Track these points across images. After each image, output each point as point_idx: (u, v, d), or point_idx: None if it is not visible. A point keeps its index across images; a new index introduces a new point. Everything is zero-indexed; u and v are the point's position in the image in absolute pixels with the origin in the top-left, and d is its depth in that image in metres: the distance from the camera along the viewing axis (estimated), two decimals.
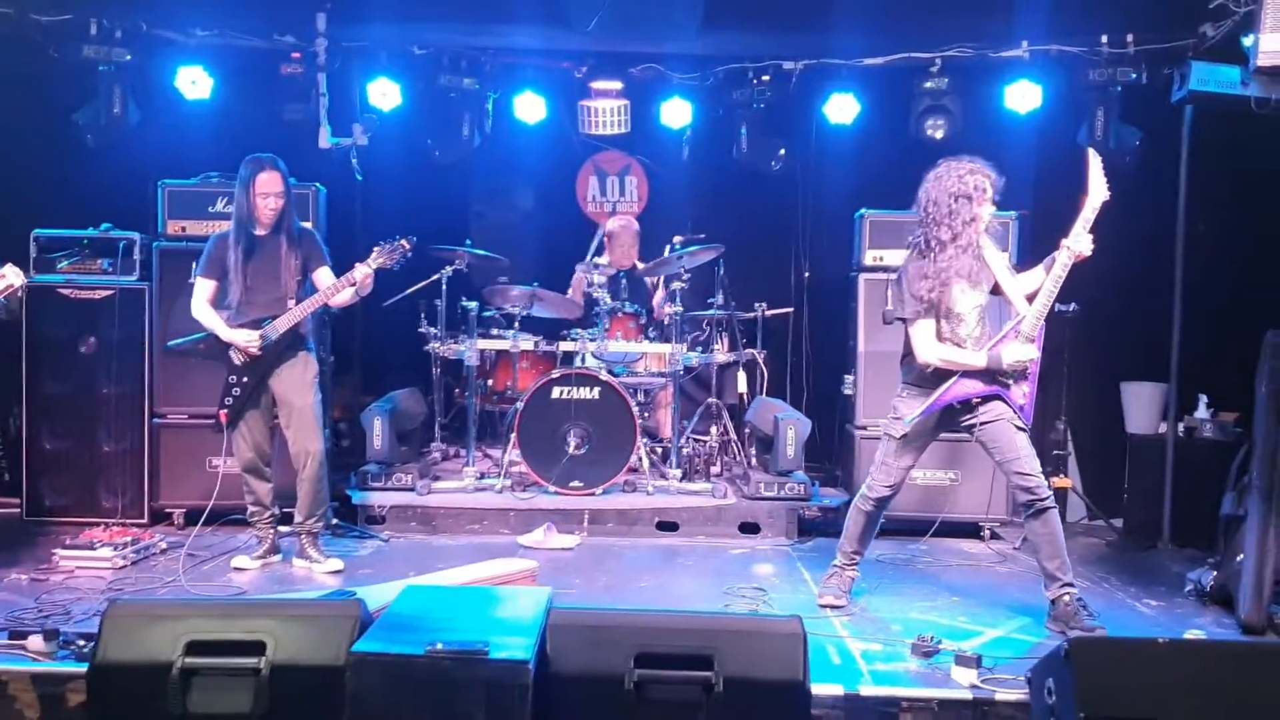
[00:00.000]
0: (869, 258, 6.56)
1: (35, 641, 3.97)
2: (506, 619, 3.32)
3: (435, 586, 4.32)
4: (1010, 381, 4.62)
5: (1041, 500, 4.56)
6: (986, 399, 4.65)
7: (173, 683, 3.07)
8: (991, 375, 4.60)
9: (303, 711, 3.09)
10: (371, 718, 2.95)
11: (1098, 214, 4.43)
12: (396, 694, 2.94)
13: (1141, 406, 6.98)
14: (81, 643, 3.99)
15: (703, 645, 3.16)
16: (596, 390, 6.55)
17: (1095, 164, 4.45)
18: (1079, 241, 4.43)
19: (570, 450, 6.49)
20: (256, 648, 3.12)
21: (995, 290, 4.69)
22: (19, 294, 4.70)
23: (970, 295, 4.63)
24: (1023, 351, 4.54)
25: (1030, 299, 4.57)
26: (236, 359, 5.29)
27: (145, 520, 6.21)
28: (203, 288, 5.35)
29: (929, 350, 4.64)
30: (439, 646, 2.98)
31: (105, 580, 5.12)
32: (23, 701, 3.80)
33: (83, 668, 3.77)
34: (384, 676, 2.95)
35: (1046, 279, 4.52)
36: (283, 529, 5.63)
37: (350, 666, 2.97)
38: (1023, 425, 4.65)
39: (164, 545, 5.70)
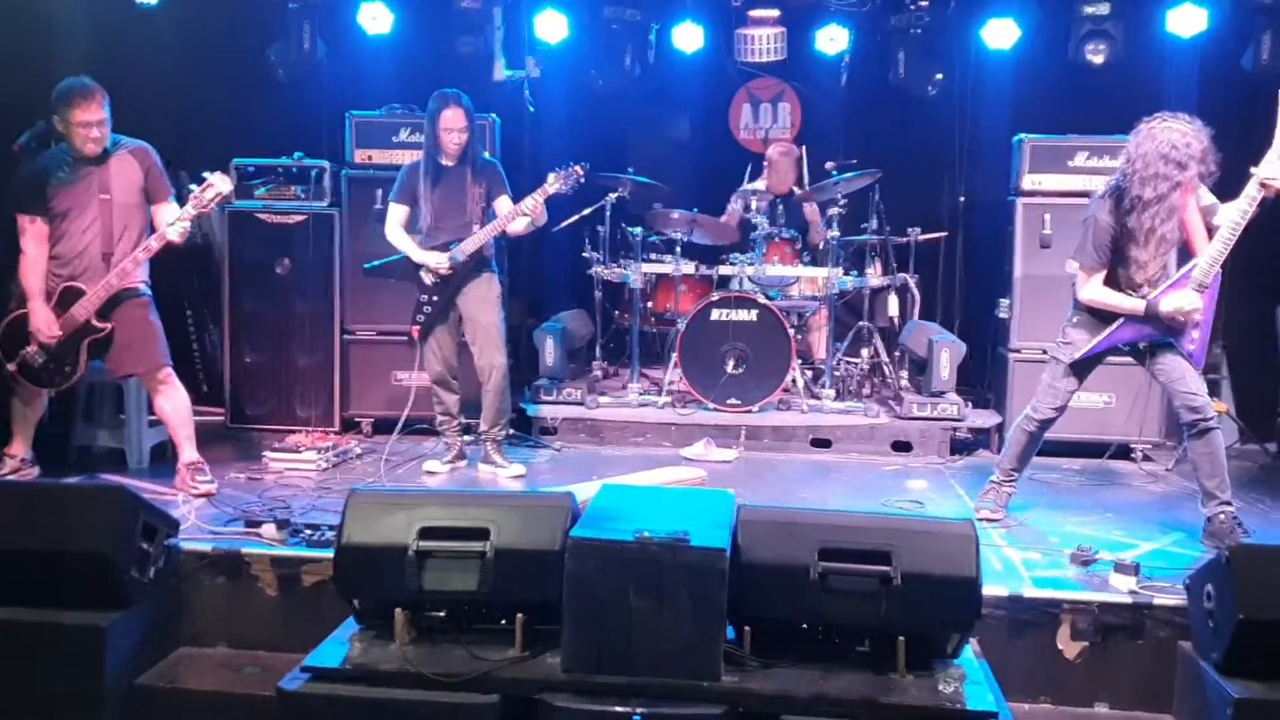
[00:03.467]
0: (1027, 182, 6.63)
1: (269, 530, 4.45)
2: (699, 514, 3.63)
3: (630, 486, 4.68)
4: (1178, 329, 4.63)
5: (1205, 419, 4.64)
6: (1154, 346, 4.74)
7: (410, 563, 3.45)
8: (1159, 322, 4.63)
9: (523, 590, 3.45)
10: (587, 595, 3.30)
11: None
12: (609, 575, 3.28)
13: None
14: (308, 531, 4.47)
15: (882, 542, 3.41)
16: (754, 313, 6.81)
17: None
18: (1271, 169, 4.34)
19: (729, 370, 6.78)
20: (481, 534, 3.47)
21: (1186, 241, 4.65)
22: (228, 200, 5.13)
23: (1158, 248, 4.62)
24: (1183, 300, 4.53)
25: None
26: (427, 279, 5.67)
27: (337, 428, 6.71)
28: (396, 213, 5.74)
29: (1089, 293, 4.73)
30: (646, 534, 3.31)
31: (312, 480, 5.63)
32: (264, 581, 4.29)
33: (314, 552, 4.29)
34: (598, 559, 3.29)
35: (1224, 225, 4.46)
36: (465, 437, 6.06)
37: (569, 550, 3.32)
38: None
39: (359, 450, 6.23)
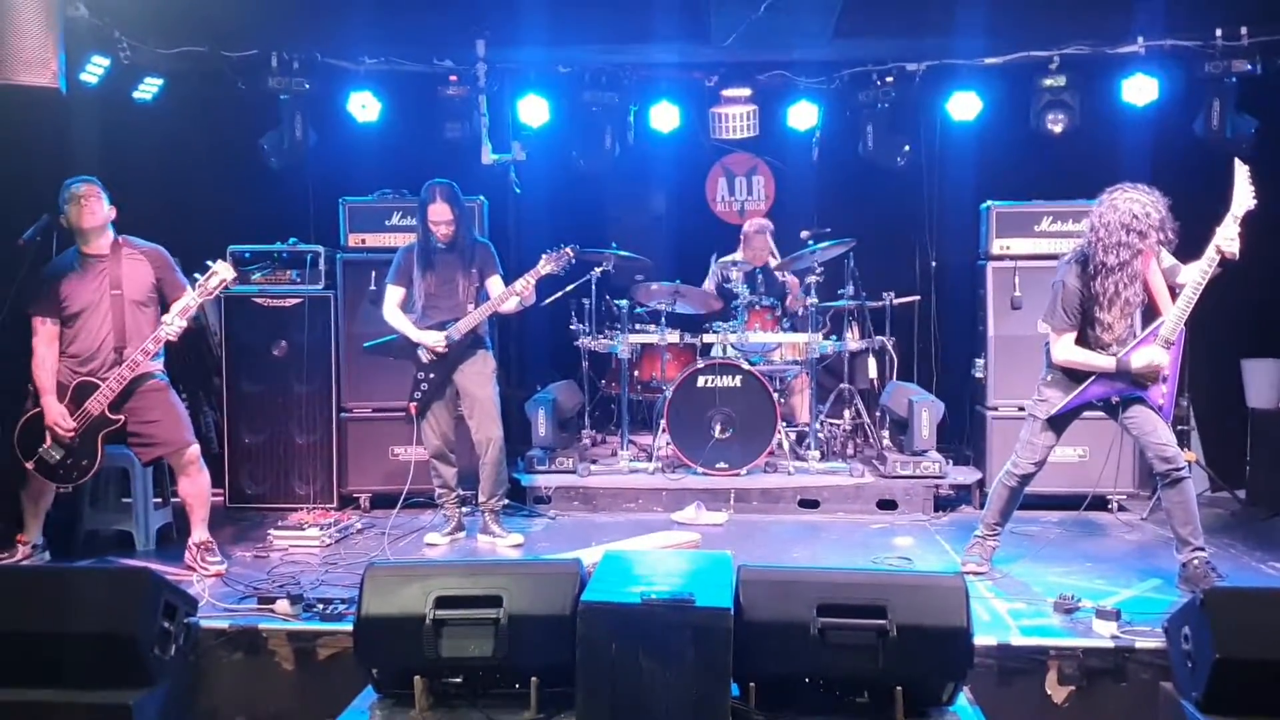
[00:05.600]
0: (996, 247, 6.94)
1: (283, 605, 4.59)
2: (701, 576, 3.80)
3: (631, 551, 4.84)
4: (1147, 383, 4.89)
5: (1178, 470, 4.87)
6: (1126, 400, 4.97)
7: (427, 631, 3.60)
8: (1129, 378, 4.90)
9: (536, 654, 3.60)
10: (598, 657, 3.45)
11: (1239, 222, 4.63)
12: (620, 637, 3.43)
13: (1262, 381, 7.26)
14: (321, 605, 4.61)
15: (877, 596, 3.59)
16: (739, 378, 7.03)
17: (1241, 174, 4.63)
18: (1227, 235, 4.62)
19: (716, 434, 6.99)
20: (495, 601, 3.63)
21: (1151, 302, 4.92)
22: (229, 287, 5.34)
23: (1123, 310, 4.87)
24: (1152, 356, 4.79)
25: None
26: (424, 357, 5.88)
27: (335, 504, 6.85)
28: (393, 294, 5.95)
29: (1062, 354, 4.97)
30: (653, 597, 3.48)
31: (317, 556, 5.77)
32: (281, 655, 4.44)
33: (328, 626, 4.44)
34: (609, 622, 3.45)
35: (1188, 285, 4.72)
36: (463, 509, 6.22)
37: (580, 615, 3.47)
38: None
39: (360, 525, 6.38)
